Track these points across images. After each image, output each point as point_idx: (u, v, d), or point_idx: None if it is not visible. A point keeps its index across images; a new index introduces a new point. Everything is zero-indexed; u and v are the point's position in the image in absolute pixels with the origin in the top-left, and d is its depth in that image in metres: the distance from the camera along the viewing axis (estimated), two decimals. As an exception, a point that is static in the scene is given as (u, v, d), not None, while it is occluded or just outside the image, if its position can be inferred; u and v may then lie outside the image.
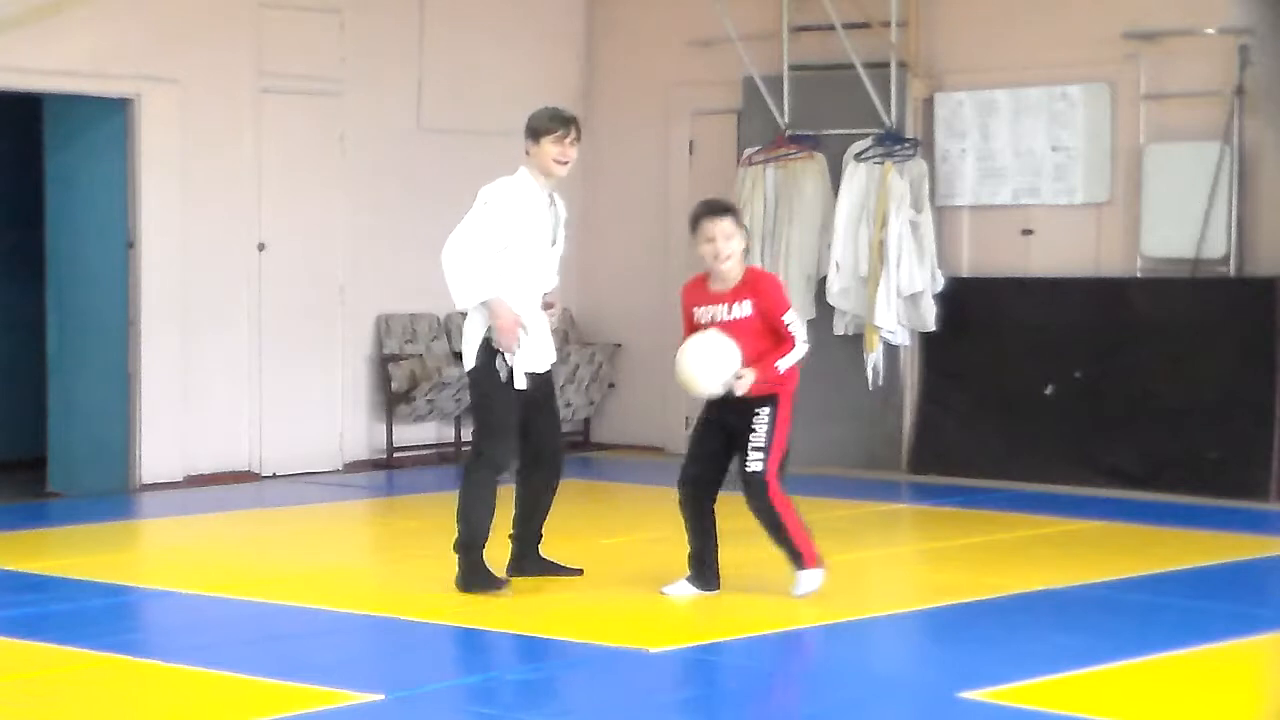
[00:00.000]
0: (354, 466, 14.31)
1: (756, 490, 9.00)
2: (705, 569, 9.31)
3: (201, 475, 13.40)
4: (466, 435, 14.90)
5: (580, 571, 9.68)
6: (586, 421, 15.74)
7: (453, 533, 9.25)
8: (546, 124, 9.34)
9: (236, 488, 13.36)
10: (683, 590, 9.26)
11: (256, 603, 9.24)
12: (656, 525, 10.47)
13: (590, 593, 9.50)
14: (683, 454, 9.42)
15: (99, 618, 8.92)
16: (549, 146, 9.31)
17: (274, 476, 13.77)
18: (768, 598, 9.53)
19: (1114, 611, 9.06)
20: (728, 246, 9.07)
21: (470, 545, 9.26)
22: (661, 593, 9.24)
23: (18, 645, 8.22)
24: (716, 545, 9.30)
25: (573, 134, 9.38)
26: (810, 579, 9.15)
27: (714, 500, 9.24)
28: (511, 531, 9.60)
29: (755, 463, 9.01)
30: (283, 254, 13.88)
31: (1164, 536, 11.28)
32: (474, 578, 9.26)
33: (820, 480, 13.55)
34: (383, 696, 7.27)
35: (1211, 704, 7.34)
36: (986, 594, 9.36)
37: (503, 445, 9.29)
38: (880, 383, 13.93)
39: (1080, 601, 9.27)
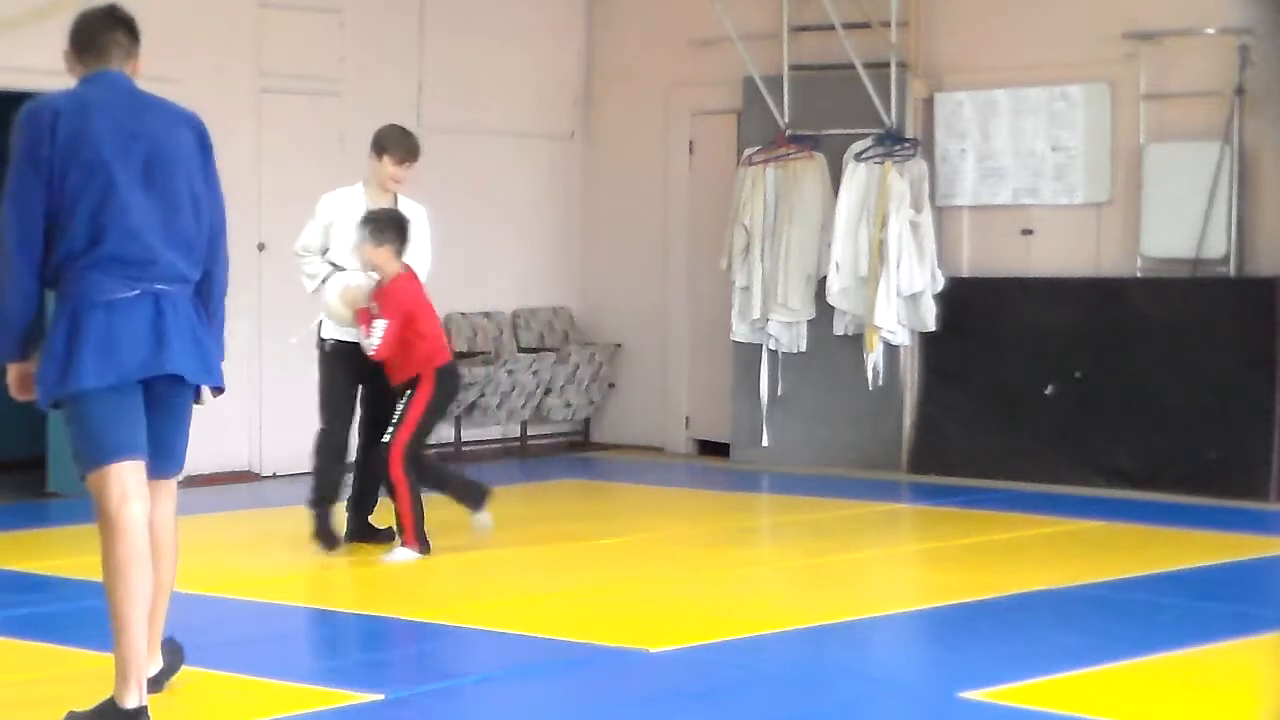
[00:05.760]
0: (354, 466, 14.27)
1: (383, 460, 10.20)
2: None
3: (201, 475, 13.38)
4: (466, 435, 14.94)
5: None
6: (586, 421, 15.72)
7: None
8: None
9: (236, 488, 13.35)
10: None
11: (256, 603, 9.23)
12: (657, 525, 10.45)
13: (590, 592, 9.50)
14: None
15: (99, 618, 8.87)
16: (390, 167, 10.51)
17: (274, 476, 13.76)
18: (767, 598, 9.54)
19: (1114, 611, 9.05)
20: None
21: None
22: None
23: (18, 645, 8.22)
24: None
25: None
26: (402, 554, 10.17)
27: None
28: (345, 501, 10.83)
29: (387, 435, 10.24)
30: (283, 254, 13.85)
31: (1164, 536, 11.28)
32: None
33: (820, 480, 13.56)
34: (382, 696, 7.26)
35: (1211, 704, 7.33)
36: (986, 594, 9.35)
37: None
38: (880, 383, 13.92)
39: (1080, 601, 9.26)
